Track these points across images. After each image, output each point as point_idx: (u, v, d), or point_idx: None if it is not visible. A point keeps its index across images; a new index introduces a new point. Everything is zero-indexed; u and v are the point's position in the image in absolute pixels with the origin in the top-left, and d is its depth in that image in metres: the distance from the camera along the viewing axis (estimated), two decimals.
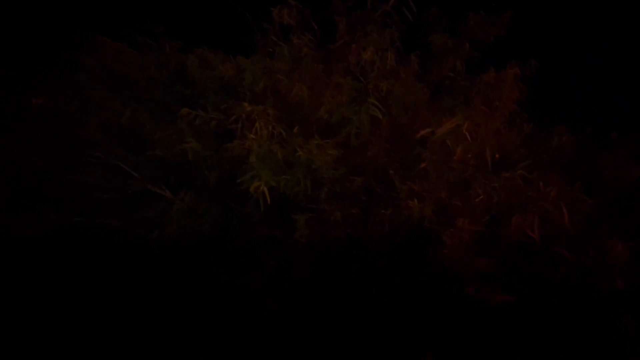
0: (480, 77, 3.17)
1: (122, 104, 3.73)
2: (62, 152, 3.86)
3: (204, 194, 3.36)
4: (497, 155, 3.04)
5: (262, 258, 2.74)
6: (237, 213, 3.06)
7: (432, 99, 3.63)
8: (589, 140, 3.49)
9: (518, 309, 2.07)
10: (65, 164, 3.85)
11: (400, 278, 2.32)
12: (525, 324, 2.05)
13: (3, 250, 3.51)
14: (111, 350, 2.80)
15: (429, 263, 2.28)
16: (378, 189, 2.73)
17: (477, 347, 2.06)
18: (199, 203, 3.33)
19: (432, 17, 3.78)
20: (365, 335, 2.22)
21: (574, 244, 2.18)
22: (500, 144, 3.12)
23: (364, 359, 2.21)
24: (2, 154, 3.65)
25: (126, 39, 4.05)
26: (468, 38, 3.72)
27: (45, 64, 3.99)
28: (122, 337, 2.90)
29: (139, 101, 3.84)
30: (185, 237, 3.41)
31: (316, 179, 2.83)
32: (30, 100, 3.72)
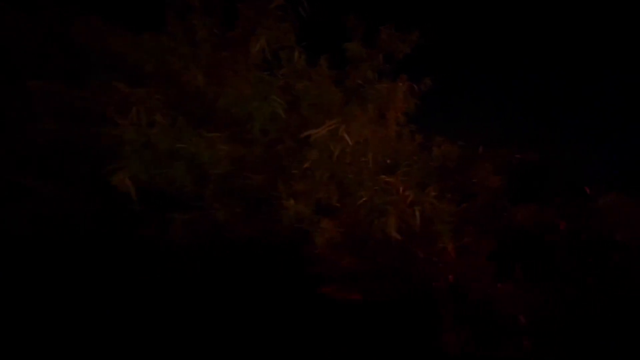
0: (374, 87, 3.14)
1: None
2: None
3: (77, 187, 2.70)
4: (388, 160, 3.07)
5: (130, 261, 2.28)
6: (113, 210, 2.51)
7: (346, 102, 3.52)
8: (465, 152, 3.79)
9: (364, 307, 2.10)
10: None
11: (267, 279, 2.16)
12: (365, 321, 2.09)
13: None
14: None
15: (299, 263, 2.16)
16: (269, 188, 2.49)
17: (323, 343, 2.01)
18: (70, 197, 2.67)
19: (349, 23, 3.63)
20: (226, 336, 2.00)
21: (429, 243, 2.28)
22: (394, 151, 3.15)
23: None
24: None
25: None
26: (381, 50, 3.67)
27: None
28: None
29: None
30: (53, 235, 2.72)
31: (203, 175, 2.45)
32: None
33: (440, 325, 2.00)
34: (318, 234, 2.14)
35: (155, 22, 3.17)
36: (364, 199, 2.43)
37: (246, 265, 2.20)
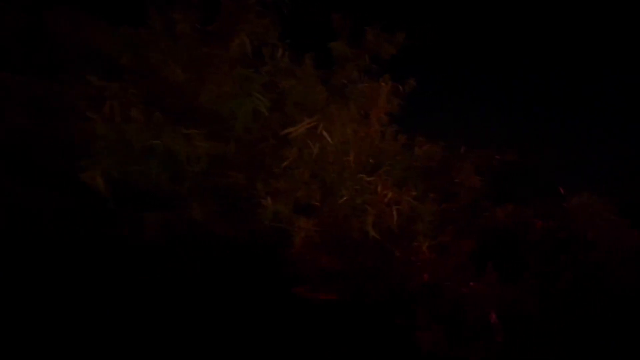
0: (358, 87, 3.11)
1: None
2: None
3: (48, 184, 2.56)
4: (371, 160, 3.04)
5: (103, 260, 2.18)
6: (86, 207, 2.38)
7: (331, 102, 3.47)
8: (447, 152, 3.80)
9: (337, 307, 2.08)
10: None
11: (243, 279, 2.10)
12: (338, 321, 2.07)
13: None
14: None
15: (276, 263, 2.11)
16: (249, 187, 2.43)
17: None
18: (40, 194, 2.53)
19: (335, 23, 3.58)
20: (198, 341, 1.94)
21: (408, 243, 2.27)
22: (377, 151, 3.13)
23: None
24: None
25: None
26: (367, 50, 3.62)
27: None
28: None
29: None
30: (22, 234, 2.57)
31: (180, 173, 2.36)
32: None
33: (414, 323, 2.00)
34: (296, 234, 2.10)
35: (134, 15, 3.05)
36: (344, 198, 2.39)
37: (222, 264, 2.14)
